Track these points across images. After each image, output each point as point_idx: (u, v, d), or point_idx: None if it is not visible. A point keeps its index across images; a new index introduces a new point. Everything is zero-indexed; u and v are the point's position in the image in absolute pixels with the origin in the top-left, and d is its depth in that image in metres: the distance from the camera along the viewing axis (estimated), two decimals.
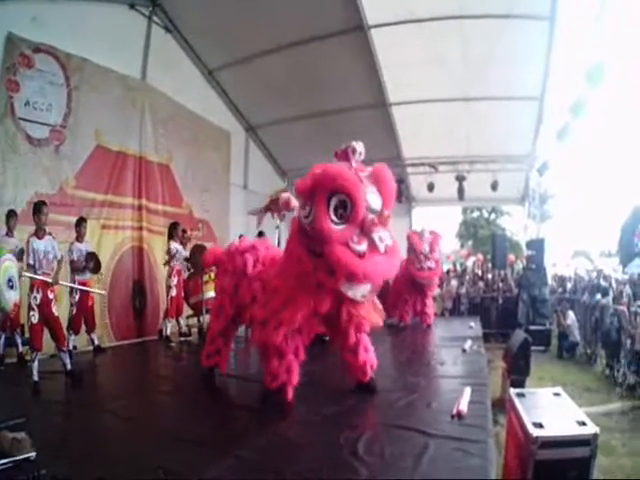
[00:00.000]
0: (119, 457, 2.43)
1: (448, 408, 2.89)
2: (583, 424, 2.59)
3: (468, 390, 3.19)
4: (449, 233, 23.12)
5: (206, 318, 6.10)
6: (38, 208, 4.25)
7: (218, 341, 3.93)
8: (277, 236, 6.62)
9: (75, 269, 5.29)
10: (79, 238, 5.43)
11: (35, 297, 4.01)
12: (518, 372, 5.01)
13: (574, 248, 20.29)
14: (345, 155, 2.94)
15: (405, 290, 6.84)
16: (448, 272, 11.86)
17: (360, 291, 2.79)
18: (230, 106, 9.71)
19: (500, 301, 10.08)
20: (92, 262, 5.41)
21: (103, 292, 5.15)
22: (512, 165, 10.19)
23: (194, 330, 6.78)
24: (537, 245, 10.08)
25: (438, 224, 10.30)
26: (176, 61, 8.05)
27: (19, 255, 4.34)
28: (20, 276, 3.95)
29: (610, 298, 8.11)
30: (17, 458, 2.26)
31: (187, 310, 6.85)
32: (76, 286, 5.15)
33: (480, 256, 14.14)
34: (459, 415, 2.77)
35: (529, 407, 2.87)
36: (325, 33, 7.58)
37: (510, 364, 5.19)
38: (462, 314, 9.70)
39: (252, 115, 10.17)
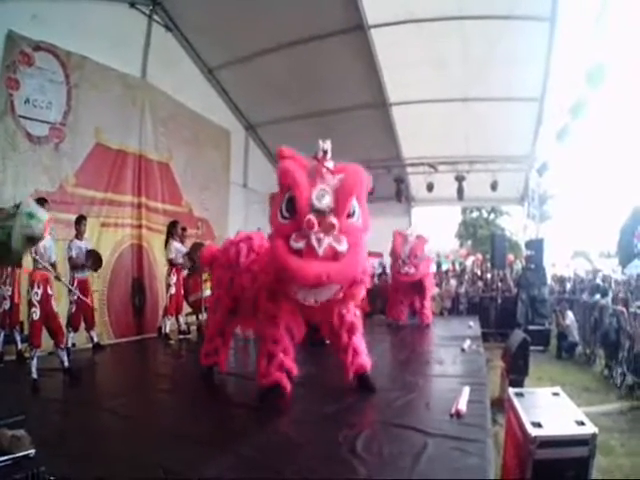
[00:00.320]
0: (118, 455, 2.43)
1: (447, 407, 2.89)
2: (582, 424, 2.58)
3: (467, 389, 3.20)
4: (448, 233, 23.22)
5: (205, 316, 6.11)
6: (40, 204, 4.23)
7: (216, 340, 3.94)
8: None
9: (74, 267, 5.29)
10: (79, 236, 5.43)
11: (36, 293, 4.01)
12: (517, 372, 5.00)
13: (573, 248, 20.35)
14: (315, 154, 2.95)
15: (400, 290, 6.87)
16: (447, 272, 11.90)
17: (312, 294, 2.77)
18: (230, 105, 9.71)
19: (499, 301, 10.06)
20: (91, 260, 5.41)
21: (87, 300, 5.14)
22: (512, 165, 10.17)
23: (193, 328, 6.80)
24: (536, 245, 10.07)
25: (437, 224, 10.29)
26: (176, 60, 8.05)
27: None
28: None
29: (609, 298, 8.12)
30: (16, 455, 2.26)
31: (186, 308, 6.86)
32: (72, 287, 5.10)
33: (479, 256, 14.17)
34: (458, 414, 2.78)
35: (528, 407, 2.87)
36: (325, 32, 7.58)
37: (509, 364, 5.19)
38: (461, 314, 9.68)
39: (252, 114, 10.18)
